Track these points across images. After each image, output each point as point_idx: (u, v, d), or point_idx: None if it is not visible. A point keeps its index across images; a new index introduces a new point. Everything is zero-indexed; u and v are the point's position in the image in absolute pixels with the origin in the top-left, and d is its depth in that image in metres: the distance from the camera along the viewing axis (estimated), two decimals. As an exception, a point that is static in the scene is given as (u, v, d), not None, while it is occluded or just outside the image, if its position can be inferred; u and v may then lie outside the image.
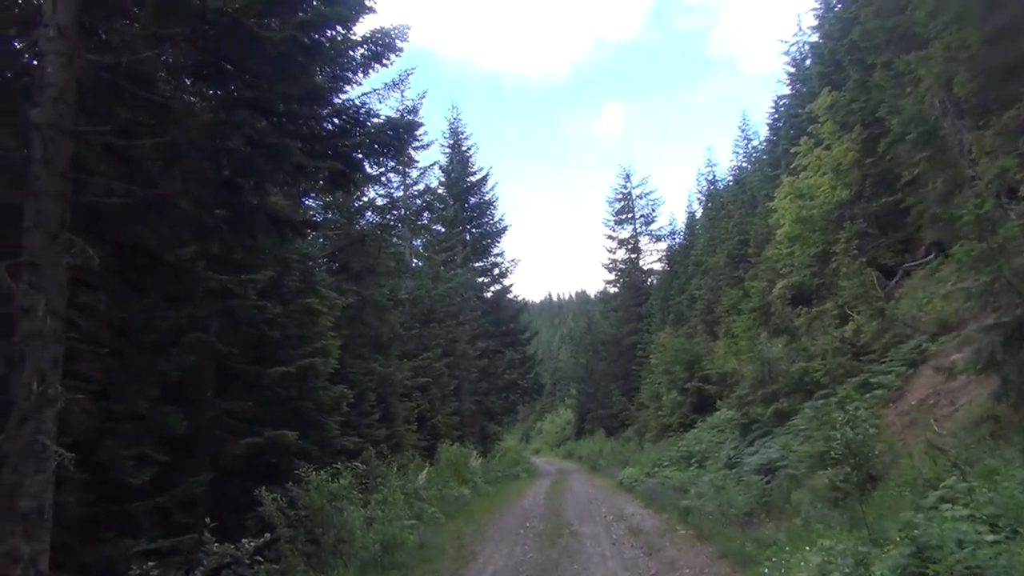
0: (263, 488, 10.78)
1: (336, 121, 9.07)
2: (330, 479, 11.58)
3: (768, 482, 13.53)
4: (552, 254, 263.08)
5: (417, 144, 28.65)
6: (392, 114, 21.44)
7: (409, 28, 9.05)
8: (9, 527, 6.32)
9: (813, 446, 11.32)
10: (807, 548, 7.86)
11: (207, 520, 8.66)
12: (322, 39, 7.75)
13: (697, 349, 31.04)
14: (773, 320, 19.53)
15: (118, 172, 9.00)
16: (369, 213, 24.63)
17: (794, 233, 23.41)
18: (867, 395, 13.03)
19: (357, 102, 9.28)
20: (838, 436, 9.00)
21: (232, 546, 8.40)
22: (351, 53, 8.89)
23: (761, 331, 19.94)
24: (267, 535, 8.88)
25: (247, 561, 8.48)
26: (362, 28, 9.19)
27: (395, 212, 27.07)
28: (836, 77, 24.99)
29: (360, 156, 9.24)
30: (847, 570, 6.60)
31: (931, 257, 19.26)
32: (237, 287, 10.79)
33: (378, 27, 8.92)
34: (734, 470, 16.37)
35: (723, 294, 35.94)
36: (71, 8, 7.71)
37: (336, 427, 14.74)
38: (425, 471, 20.45)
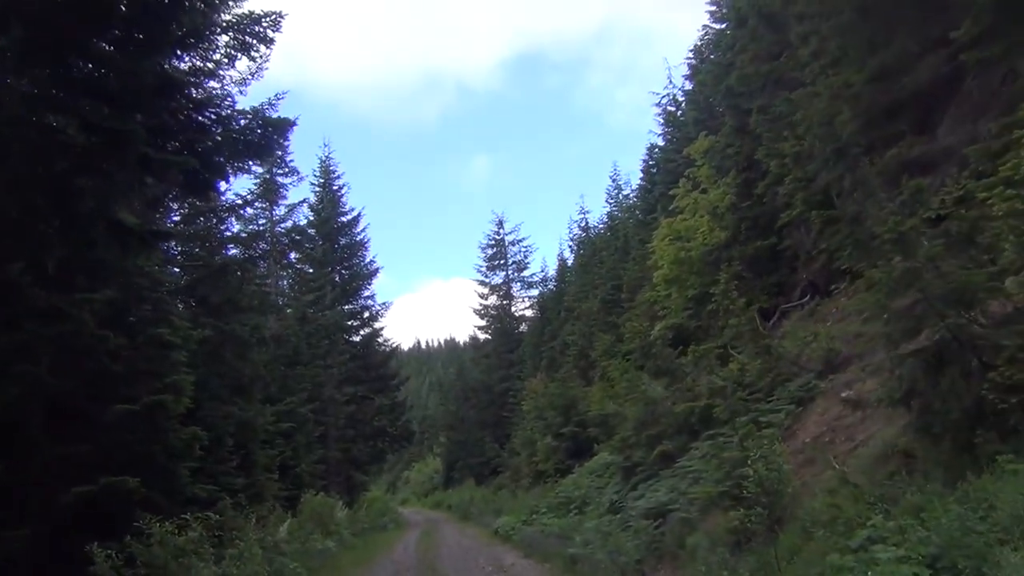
0: (95, 544, 9.25)
1: (195, 116, 7.90)
2: (176, 532, 10.09)
3: (658, 527, 12.84)
4: (420, 302, 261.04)
5: (286, 167, 27.35)
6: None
7: (284, 16, 8.00)
8: None
9: (712, 486, 10.72)
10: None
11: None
12: (177, 9, 6.61)
13: (572, 393, 30.51)
14: (654, 361, 19.13)
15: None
16: (232, 248, 23.08)
17: (672, 275, 23.31)
18: (757, 433, 12.59)
19: (220, 93, 8.08)
20: (751, 473, 8.38)
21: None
22: (215, 39, 7.76)
23: (641, 373, 19.50)
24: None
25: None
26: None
27: (261, 246, 25.48)
28: (711, 123, 25.35)
29: (221, 158, 8.07)
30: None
31: (807, 298, 19.42)
32: (72, 308, 9.29)
33: (246, 12, 7.82)
34: (618, 515, 15.66)
35: (596, 339, 35.77)
36: None
37: (188, 474, 13.20)
38: (287, 523, 18.88)
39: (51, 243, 8.47)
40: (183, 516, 10.76)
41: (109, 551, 9.35)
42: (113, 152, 6.92)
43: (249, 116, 8.15)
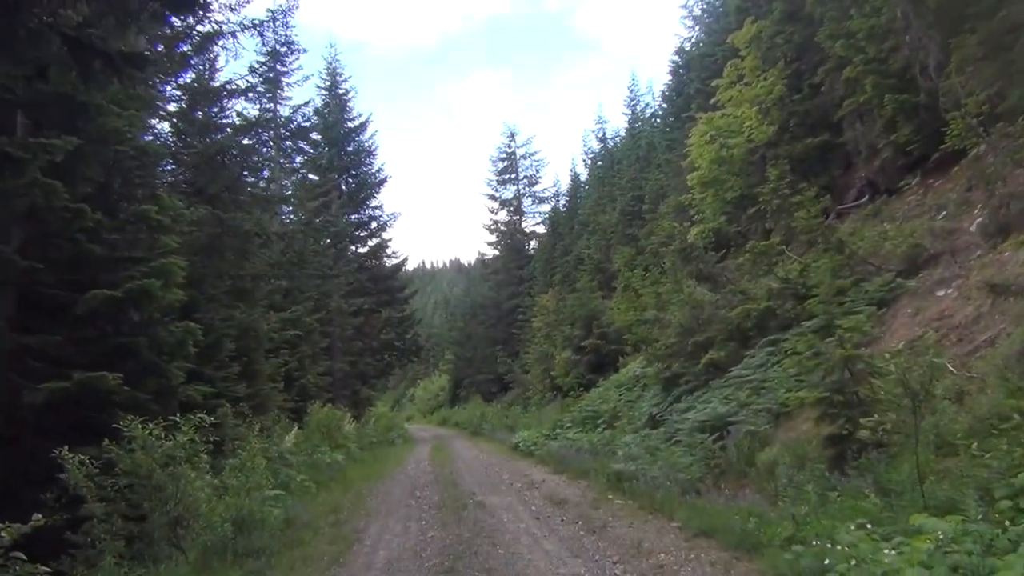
0: (65, 448, 7.68)
1: None
2: (164, 436, 8.51)
3: (717, 440, 11.27)
4: (425, 221, 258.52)
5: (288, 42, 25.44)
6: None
7: None
8: None
9: (807, 392, 9.09)
10: (855, 528, 5.52)
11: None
12: None
13: (594, 306, 28.92)
14: (695, 265, 17.45)
15: None
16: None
17: (710, 177, 21.44)
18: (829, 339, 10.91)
19: None
20: (893, 371, 6.69)
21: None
22: None
23: (682, 278, 17.79)
24: (36, 517, 5.80)
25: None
26: None
27: (262, 136, 23.33)
28: (757, 11, 23.04)
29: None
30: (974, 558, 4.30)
31: (865, 199, 17.61)
32: (23, 154, 7.35)
33: None
34: (660, 429, 14.18)
35: (615, 252, 34.15)
36: None
37: (181, 376, 11.57)
38: (293, 433, 17.48)
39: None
40: (171, 418, 9.15)
41: (83, 458, 7.78)
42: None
43: None
